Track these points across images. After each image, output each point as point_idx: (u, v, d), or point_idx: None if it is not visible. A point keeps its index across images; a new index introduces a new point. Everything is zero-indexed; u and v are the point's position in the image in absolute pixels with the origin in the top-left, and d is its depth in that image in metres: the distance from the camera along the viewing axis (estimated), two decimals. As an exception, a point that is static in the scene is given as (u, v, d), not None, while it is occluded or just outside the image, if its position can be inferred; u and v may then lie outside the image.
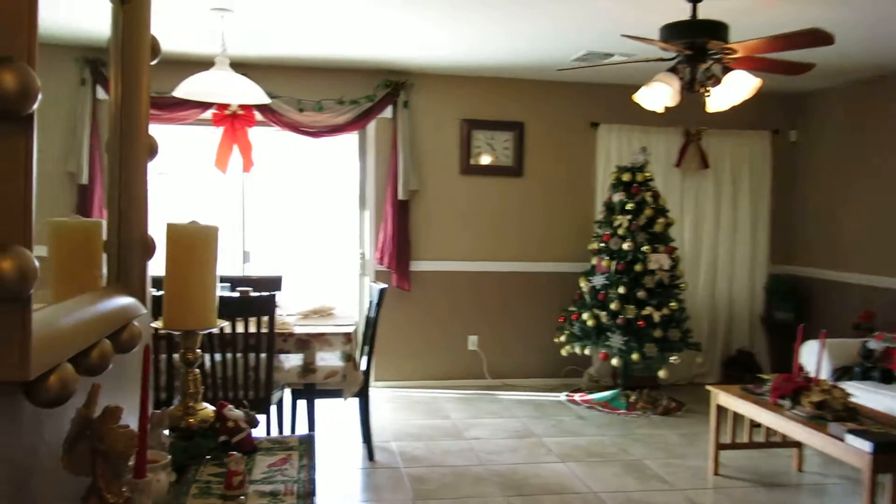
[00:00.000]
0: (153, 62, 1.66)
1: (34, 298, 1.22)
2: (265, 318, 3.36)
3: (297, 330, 3.63)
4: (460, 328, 5.87)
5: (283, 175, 5.81)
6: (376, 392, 5.56)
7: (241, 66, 4.90)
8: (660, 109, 3.76)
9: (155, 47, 1.67)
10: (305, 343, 3.58)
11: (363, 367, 4.06)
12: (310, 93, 5.48)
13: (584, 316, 5.35)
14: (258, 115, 5.37)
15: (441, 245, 5.82)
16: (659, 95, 3.57)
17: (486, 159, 5.91)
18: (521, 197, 5.95)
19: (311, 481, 1.64)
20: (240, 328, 3.38)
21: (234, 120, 5.31)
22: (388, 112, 5.64)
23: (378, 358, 5.71)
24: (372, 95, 5.56)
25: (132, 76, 1.56)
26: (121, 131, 1.56)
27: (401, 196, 5.58)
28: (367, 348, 4.09)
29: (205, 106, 5.22)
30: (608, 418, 5.12)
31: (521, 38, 4.63)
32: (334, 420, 4.85)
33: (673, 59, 3.61)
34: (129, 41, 1.55)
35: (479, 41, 4.75)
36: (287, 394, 4.05)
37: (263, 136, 5.65)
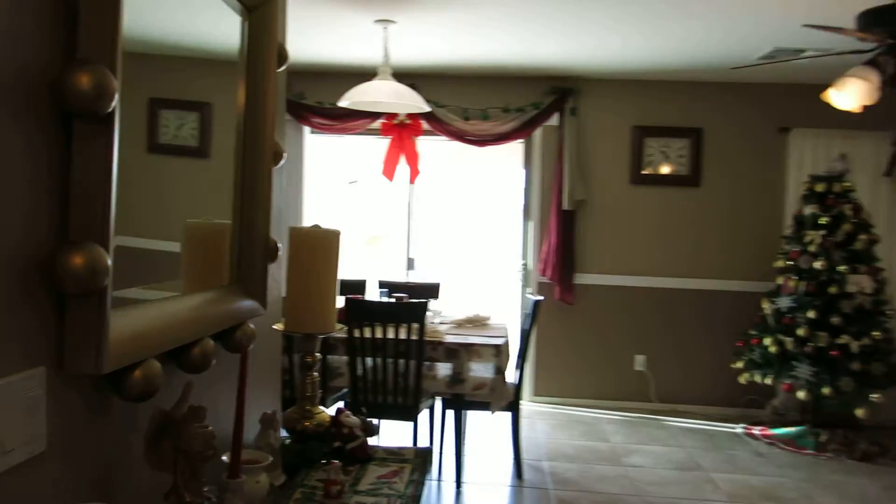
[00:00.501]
0: (280, 69, 1.70)
1: (165, 288, 1.29)
2: (416, 326, 3.39)
3: (448, 339, 3.62)
4: (626, 346, 5.59)
5: (448, 184, 5.89)
6: (534, 408, 5.44)
7: (406, 76, 5.03)
8: (856, 109, 3.30)
9: (282, 55, 1.71)
10: (454, 352, 3.57)
11: (515, 380, 3.96)
12: (475, 101, 5.51)
13: (766, 341, 4.86)
14: (425, 125, 5.49)
15: (608, 258, 5.58)
16: (854, 93, 3.14)
17: (659, 168, 5.59)
18: (698, 208, 5.55)
19: (417, 498, 1.58)
20: (391, 334, 3.43)
21: (401, 130, 5.47)
22: (554, 119, 5.52)
23: (538, 372, 5.59)
24: (538, 103, 5.47)
25: (258, 83, 1.60)
26: (246, 137, 1.61)
27: (566, 206, 5.43)
28: (519, 361, 3.99)
29: (373, 116, 5.42)
30: (792, 458, 4.59)
31: (698, 36, 4.32)
32: (486, 433, 4.79)
33: (872, 50, 3.16)
34: (255, 49, 1.59)
35: (652, 42, 4.50)
36: (437, 403, 4.06)
37: (430, 146, 5.77)
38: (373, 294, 4.49)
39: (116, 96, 0.93)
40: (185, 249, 1.44)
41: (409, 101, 3.79)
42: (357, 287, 4.68)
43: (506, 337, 3.76)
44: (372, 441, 1.86)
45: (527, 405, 5.43)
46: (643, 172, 5.59)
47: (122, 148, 0.97)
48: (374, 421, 1.99)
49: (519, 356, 4.00)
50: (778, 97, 5.46)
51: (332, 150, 6.33)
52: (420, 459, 1.83)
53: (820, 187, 4.89)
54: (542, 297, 4.13)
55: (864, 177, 5.32)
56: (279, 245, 1.71)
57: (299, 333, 1.76)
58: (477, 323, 4.08)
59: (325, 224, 1.77)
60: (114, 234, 0.96)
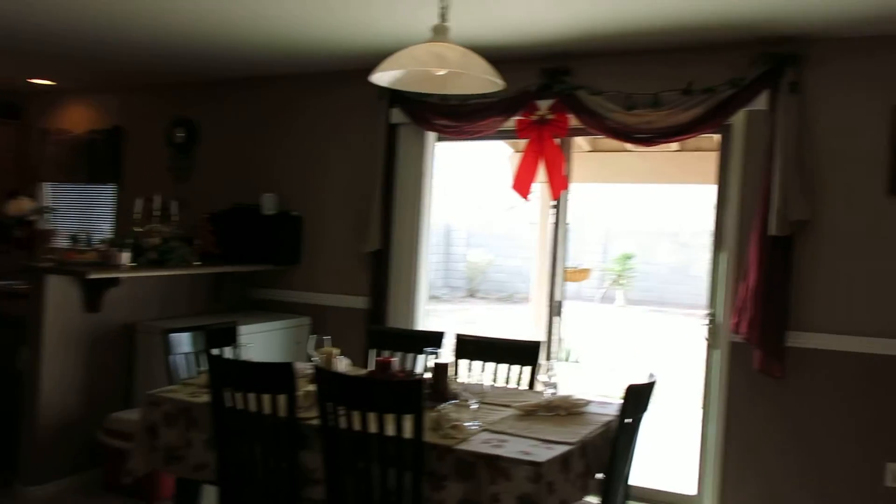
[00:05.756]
0: None
1: None
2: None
3: (466, 444, 2.42)
4: (871, 448, 3.73)
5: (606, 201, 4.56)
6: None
7: (542, 52, 3.84)
8: None
9: None
10: (469, 468, 2.36)
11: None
12: (642, 84, 4.12)
13: None
14: (573, 120, 4.27)
15: (843, 309, 3.79)
16: None
17: (942, 170, 3.67)
18: None
19: None
20: (385, 425, 2.37)
21: (541, 128, 4.32)
22: (761, 102, 3.91)
23: (726, 481, 3.98)
24: (738, 78, 3.91)
25: None
26: None
27: (774, 230, 3.79)
28: (607, 485, 2.62)
29: (506, 112, 4.34)
30: None
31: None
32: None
33: None
34: None
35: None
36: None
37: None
38: (446, 352, 3.41)
39: None
40: None
41: (457, 67, 2.67)
42: (432, 339, 3.66)
43: (573, 445, 2.46)
44: None
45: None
46: (913, 177, 3.72)
47: None
48: None
49: (609, 475, 2.62)
50: None
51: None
52: None
53: None
54: (654, 380, 2.70)
55: None
56: None
57: None
58: (563, 409, 2.81)
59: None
60: None
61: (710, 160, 4.62)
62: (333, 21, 3.94)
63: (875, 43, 3.74)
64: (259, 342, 4.32)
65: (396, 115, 4.67)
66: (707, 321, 4.16)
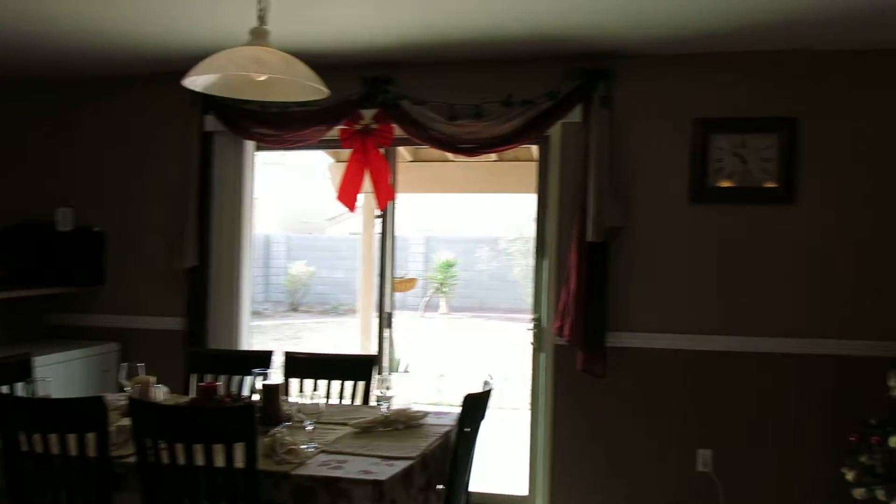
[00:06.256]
0: None
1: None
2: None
3: (302, 469, 2.31)
4: (683, 438, 4.04)
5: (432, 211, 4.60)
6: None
7: (363, 61, 3.80)
8: None
9: None
10: (308, 494, 2.25)
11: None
12: (464, 95, 4.20)
13: (892, 441, 3.22)
14: (397, 130, 4.25)
15: (656, 310, 4.08)
16: None
17: (732, 178, 4.06)
18: (792, 234, 3.96)
19: None
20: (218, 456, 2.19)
21: (365, 138, 4.26)
22: (575, 114, 4.12)
23: (555, 478, 4.14)
24: (554, 92, 4.09)
25: None
26: None
27: (590, 237, 3.99)
28: (447, 492, 2.62)
29: (328, 121, 4.24)
30: None
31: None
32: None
33: None
34: None
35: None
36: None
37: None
38: (274, 374, 3.23)
39: None
40: None
41: (278, 72, 2.54)
42: (259, 359, 3.48)
43: (413, 459, 2.42)
44: None
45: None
46: (710, 185, 4.07)
47: None
48: None
49: (450, 486, 2.61)
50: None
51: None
52: None
53: None
54: (490, 387, 2.74)
55: None
56: None
57: None
58: (401, 423, 2.76)
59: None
60: None
61: (529, 170, 4.80)
62: (144, 18, 3.63)
63: (674, 62, 4.06)
64: (59, 374, 3.87)
65: (212, 123, 4.41)
66: (532, 326, 4.31)
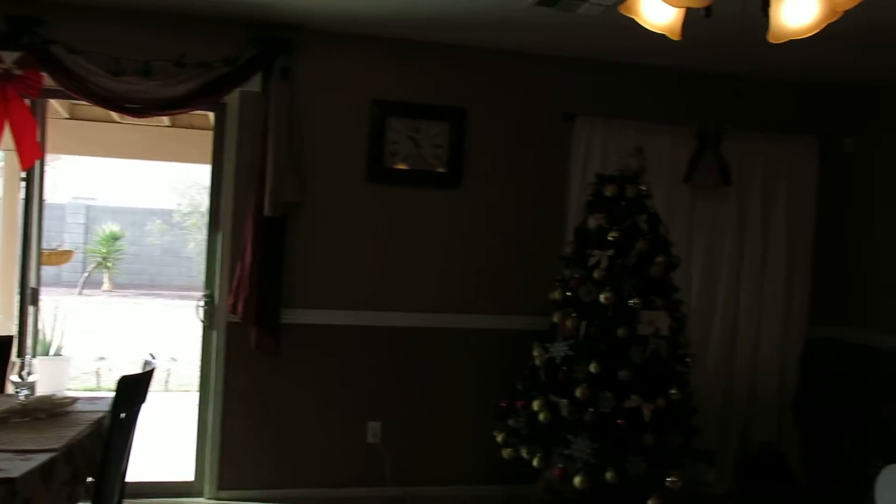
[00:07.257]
0: None
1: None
2: None
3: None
4: (356, 411, 4.20)
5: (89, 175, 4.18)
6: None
7: None
8: (672, 31, 2.06)
9: None
10: None
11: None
12: (134, 49, 3.84)
13: (535, 405, 3.69)
14: (48, 80, 3.75)
15: (331, 286, 4.16)
16: None
17: (407, 161, 4.28)
18: (457, 217, 4.31)
19: None
20: None
21: (5, 84, 3.68)
22: (255, 83, 4.00)
23: (224, 457, 4.03)
24: (234, 56, 3.92)
25: None
26: None
27: (268, 211, 3.93)
28: (98, 484, 2.40)
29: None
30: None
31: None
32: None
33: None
34: None
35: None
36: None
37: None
38: None
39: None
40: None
41: None
42: None
43: (55, 452, 2.17)
44: None
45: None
46: (386, 166, 4.25)
47: None
48: None
49: (101, 478, 2.40)
50: (564, 74, 4.36)
51: None
52: None
53: (609, 190, 3.81)
54: (152, 368, 2.58)
55: (660, 182, 4.36)
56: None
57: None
58: (43, 412, 2.45)
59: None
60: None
61: (206, 138, 4.57)
62: None
63: (358, 42, 4.14)
64: None
65: None
66: (203, 303, 4.12)
